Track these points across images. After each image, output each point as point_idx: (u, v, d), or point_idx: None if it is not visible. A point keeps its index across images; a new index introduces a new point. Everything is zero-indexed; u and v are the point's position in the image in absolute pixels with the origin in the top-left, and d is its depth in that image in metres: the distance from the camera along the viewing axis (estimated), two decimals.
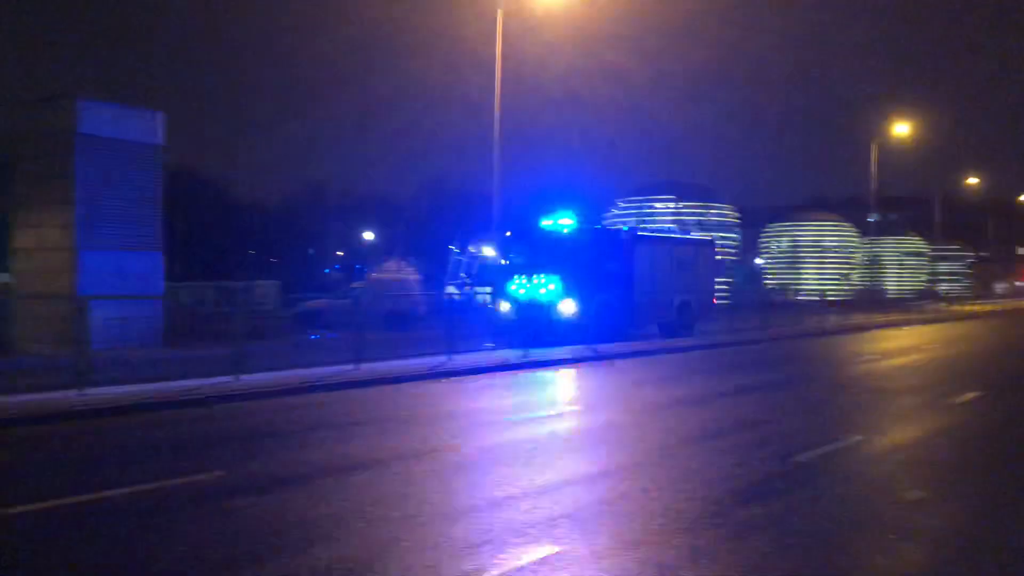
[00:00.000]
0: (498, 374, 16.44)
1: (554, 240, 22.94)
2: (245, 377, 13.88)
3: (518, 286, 22.77)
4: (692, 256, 26.45)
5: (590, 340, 21.11)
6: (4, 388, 12.19)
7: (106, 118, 20.33)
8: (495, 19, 25.10)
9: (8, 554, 5.77)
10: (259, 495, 7.22)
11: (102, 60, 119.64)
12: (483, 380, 15.73)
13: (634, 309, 23.69)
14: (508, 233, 24.77)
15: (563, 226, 23.29)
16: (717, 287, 31.58)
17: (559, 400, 14.26)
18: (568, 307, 21.74)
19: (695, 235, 31.12)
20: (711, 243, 29.52)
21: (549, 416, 11.87)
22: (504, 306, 22.79)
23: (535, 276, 22.46)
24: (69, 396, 11.74)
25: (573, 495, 7.26)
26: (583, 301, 21.81)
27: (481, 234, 32.37)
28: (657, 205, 59.30)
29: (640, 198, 59.97)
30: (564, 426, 11.10)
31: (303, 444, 9.66)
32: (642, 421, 11.58)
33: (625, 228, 24.96)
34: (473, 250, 33.19)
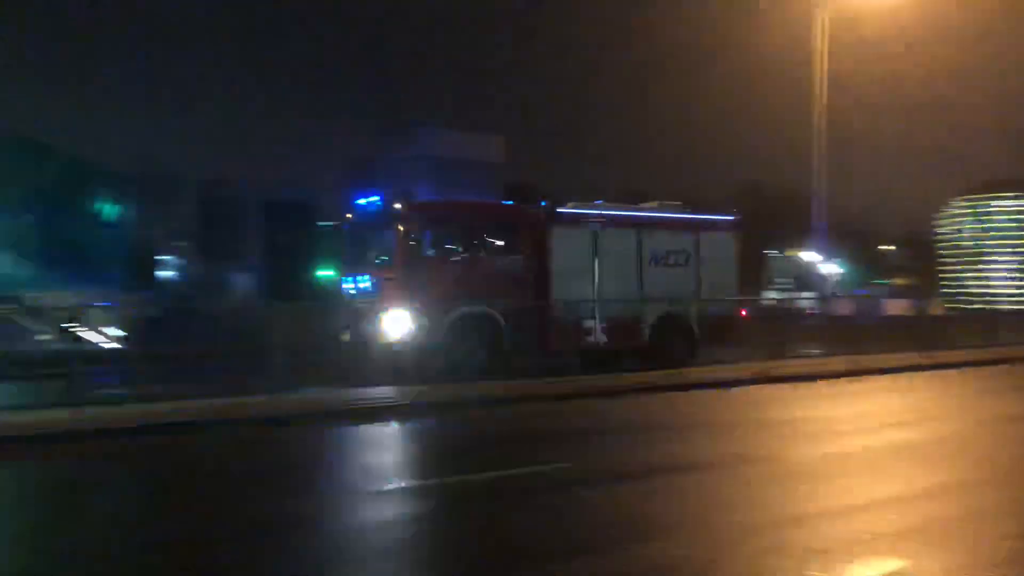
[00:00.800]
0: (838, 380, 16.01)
1: (396, 225, 14.83)
2: (584, 378, 15.27)
3: (352, 296, 15.96)
4: (686, 245, 17.10)
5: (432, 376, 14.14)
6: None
7: (451, 142, 22.94)
8: (810, 21, 24.99)
9: (392, 524, 6.88)
10: (598, 488, 7.77)
11: (455, 91, 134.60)
12: (817, 387, 15.46)
13: (551, 330, 15.81)
14: (348, 216, 16.90)
15: (406, 204, 15.18)
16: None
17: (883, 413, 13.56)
18: (398, 326, 14.44)
19: (688, 212, 18.33)
20: (728, 221, 18.28)
21: (884, 426, 11.39)
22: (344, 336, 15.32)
23: (361, 280, 15.71)
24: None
25: (919, 509, 6.98)
26: (432, 317, 14.53)
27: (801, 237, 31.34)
28: (996, 203, 52.96)
29: (977, 196, 53.92)
30: (892, 437, 10.54)
31: (635, 442, 10.24)
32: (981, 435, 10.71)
33: (543, 204, 16.53)
34: (793, 254, 32.24)
